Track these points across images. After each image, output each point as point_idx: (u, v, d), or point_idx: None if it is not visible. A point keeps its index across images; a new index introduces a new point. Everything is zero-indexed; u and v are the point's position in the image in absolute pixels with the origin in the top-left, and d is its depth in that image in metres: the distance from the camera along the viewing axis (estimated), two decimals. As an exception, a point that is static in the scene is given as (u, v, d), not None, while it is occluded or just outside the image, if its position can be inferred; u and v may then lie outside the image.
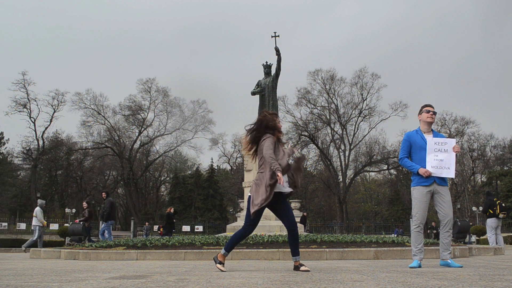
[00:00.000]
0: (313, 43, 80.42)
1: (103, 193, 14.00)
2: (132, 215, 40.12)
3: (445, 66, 77.60)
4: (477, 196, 46.05)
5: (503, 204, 12.12)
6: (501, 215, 11.86)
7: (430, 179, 4.88)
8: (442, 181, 4.93)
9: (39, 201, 14.94)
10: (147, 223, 30.05)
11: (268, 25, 76.78)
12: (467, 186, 45.78)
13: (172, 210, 18.97)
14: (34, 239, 14.00)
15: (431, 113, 5.05)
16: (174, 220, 19.42)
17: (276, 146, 4.48)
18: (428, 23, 78.48)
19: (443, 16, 76.93)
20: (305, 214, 25.71)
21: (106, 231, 12.92)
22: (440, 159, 4.88)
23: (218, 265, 4.41)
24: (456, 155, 4.94)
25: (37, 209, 14.37)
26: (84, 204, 14.96)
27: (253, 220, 4.41)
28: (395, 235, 15.70)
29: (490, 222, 11.97)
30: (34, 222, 14.24)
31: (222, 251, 4.52)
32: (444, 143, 4.96)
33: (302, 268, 4.28)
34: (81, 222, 14.71)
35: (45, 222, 15.25)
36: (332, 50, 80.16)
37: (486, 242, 19.04)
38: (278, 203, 4.43)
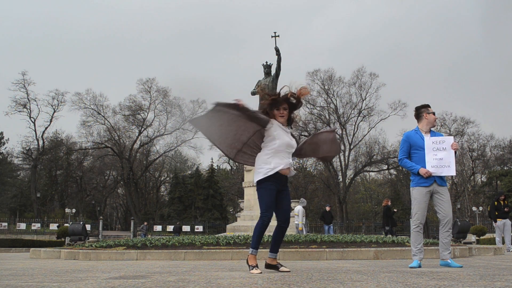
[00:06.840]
0: (311, 42, 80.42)
1: None
2: (132, 215, 40.11)
3: (444, 65, 77.61)
4: (477, 196, 46.02)
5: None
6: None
7: (430, 180, 4.87)
8: (441, 181, 4.93)
9: (302, 200, 14.56)
10: (145, 223, 29.96)
11: (267, 24, 76.75)
12: (467, 186, 45.75)
13: (389, 203, 16.45)
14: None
15: (435, 116, 5.14)
16: (395, 210, 16.85)
17: None
18: (426, 21, 78.52)
19: (441, 14, 76.96)
20: (328, 209, 20.28)
21: None
22: (440, 157, 4.86)
23: (253, 271, 3.90)
24: (455, 152, 4.94)
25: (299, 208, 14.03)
26: None
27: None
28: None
29: None
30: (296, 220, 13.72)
31: (250, 250, 4.10)
32: (442, 141, 4.94)
33: (281, 268, 4.10)
34: (81, 223, 14.71)
35: (301, 227, 13.94)
36: (331, 49, 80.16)
37: (486, 242, 19.06)
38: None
